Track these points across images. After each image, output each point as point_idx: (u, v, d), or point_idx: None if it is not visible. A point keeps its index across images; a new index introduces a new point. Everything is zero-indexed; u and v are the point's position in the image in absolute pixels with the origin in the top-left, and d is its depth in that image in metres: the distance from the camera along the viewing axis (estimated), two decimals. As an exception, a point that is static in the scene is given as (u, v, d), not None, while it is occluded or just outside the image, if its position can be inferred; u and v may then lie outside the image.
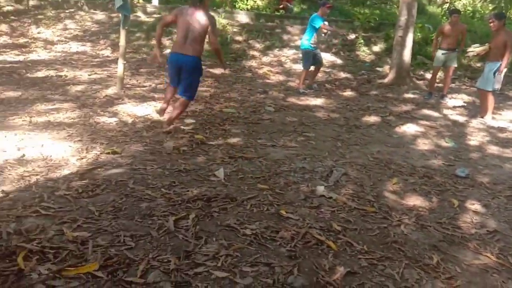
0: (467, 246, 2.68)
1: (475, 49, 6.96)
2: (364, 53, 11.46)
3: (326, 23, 7.70)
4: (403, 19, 8.52)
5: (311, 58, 7.53)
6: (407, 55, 8.76)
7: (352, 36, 11.72)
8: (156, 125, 4.75)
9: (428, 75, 10.17)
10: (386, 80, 9.06)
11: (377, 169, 4.03)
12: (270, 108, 6.09)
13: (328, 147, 4.58)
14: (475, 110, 7.10)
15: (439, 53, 7.68)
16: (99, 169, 3.36)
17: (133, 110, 5.26)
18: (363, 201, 3.22)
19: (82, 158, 3.57)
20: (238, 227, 2.57)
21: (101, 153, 3.73)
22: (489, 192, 3.68)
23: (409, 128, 5.65)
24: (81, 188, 2.96)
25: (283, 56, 10.89)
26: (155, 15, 12.44)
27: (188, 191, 3.05)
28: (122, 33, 6.13)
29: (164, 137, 4.32)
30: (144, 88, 6.58)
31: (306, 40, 7.46)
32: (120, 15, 6.33)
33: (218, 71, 8.82)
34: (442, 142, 5.16)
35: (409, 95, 8.10)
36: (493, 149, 5.11)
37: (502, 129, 6.14)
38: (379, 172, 3.94)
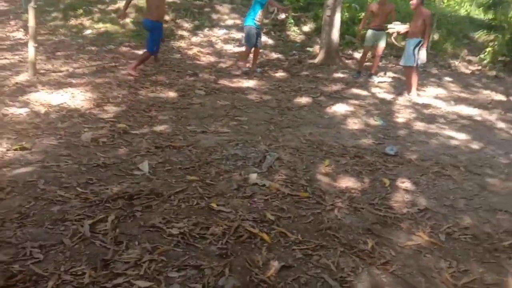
0: (400, 227, 2.68)
1: (395, 26, 7.11)
2: (295, 33, 11.43)
3: None
4: (331, -2, 8.53)
5: (255, 36, 7.22)
6: (335, 34, 8.83)
7: (282, 16, 11.62)
8: (73, 114, 4.30)
9: (357, 54, 10.41)
10: (316, 60, 9.10)
11: (310, 151, 3.97)
12: (201, 91, 5.82)
13: (261, 131, 4.44)
14: (402, 88, 7.34)
15: (369, 32, 7.81)
16: (4, 169, 2.94)
17: (46, 99, 4.73)
18: (296, 186, 3.13)
19: (-18, 158, 3.11)
20: (163, 227, 2.34)
21: (7, 150, 3.27)
22: (418, 169, 3.76)
23: (339, 108, 5.68)
24: (-21, 194, 2.55)
25: (213, 36, 10.55)
26: (71, -7, 11.44)
27: (107, 189, 2.75)
28: (31, 12, 5.49)
29: (81, 128, 3.91)
30: (60, 74, 5.99)
31: (251, 17, 7.18)
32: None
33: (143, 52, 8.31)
34: (371, 121, 5.24)
35: (338, 75, 8.20)
36: (419, 125, 5.28)
37: (426, 105, 6.39)
38: (311, 154, 3.88)
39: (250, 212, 2.62)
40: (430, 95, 7.21)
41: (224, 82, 6.66)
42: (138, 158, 3.36)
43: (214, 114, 4.84)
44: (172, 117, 4.58)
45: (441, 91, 7.64)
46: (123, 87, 5.60)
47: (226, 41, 10.31)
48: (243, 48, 8.09)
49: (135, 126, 4.17)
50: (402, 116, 5.65)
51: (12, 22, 9.87)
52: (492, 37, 12.26)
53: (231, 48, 9.87)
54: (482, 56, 11.00)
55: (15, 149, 3.26)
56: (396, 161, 3.92)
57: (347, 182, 3.31)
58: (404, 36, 7.62)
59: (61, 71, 6.15)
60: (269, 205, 2.76)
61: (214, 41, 10.21)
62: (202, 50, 9.39)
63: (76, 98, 4.89)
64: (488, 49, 10.70)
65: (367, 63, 8.65)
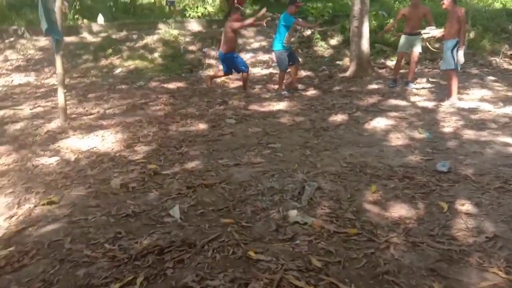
0: (468, 262, 2.30)
1: (430, 31, 6.71)
2: (322, 48, 11.19)
3: (300, 19, 7.52)
4: (356, 8, 8.25)
5: (286, 58, 7.23)
6: (365, 45, 8.50)
7: (308, 32, 11.41)
8: (103, 158, 4.20)
9: (389, 63, 10.00)
10: (348, 74, 8.78)
11: (352, 176, 3.64)
12: (231, 120, 5.64)
13: (297, 157, 4.17)
14: (442, 93, 6.87)
15: (403, 38, 7.46)
16: (30, 229, 2.81)
17: (77, 145, 4.69)
18: (342, 221, 2.81)
19: (11, 217, 3.01)
20: (197, 286, 2.09)
21: (35, 206, 3.17)
22: (477, 186, 3.34)
23: (379, 123, 5.32)
24: (4, 260, 2.42)
25: (240, 61, 10.45)
26: (102, 34, 11.76)
27: (136, 242, 2.55)
28: (58, 60, 5.55)
29: (111, 173, 3.78)
30: (91, 116, 5.99)
31: (279, 41, 7.14)
32: (51, 39, 5.75)
33: (173, 85, 8.31)
34: (416, 134, 4.85)
35: (373, 86, 7.83)
36: (469, 133, 4.83)
37: (472, 110, 5.91)
38: (354, 180, 3.55)
39: (293, 259, 2.33)
40: (474, 98, 6.69)
41: (254, 107, 6.46)
42: (169, 202, 3.16)
43: (246, 143, 4.62)
44: (203, 151, 4.39)
45: (485, 92, 7.09)
46: (153, 124, 5.51)
47: (253, 64, 10.20)
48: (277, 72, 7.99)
49: (166, 165, 4.01)
50: (448, 125, 5.20)
51: (46, 69, 10.20)
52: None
53: (259, 71, 9.75)
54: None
55: (43, 204, 3.15)
56: (451, 178, 3.52)
57: (399, 210, 2.96)
58: (440, 39, 7.18)
59: (92, 114, 6.16)
60: (314, 248, 2.46)
61: (241, 66, 10.09)
62: (230, 76, 9.28)
63: (107, 140, 4.82)
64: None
65: (403, 71, 8.23)
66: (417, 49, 7.46)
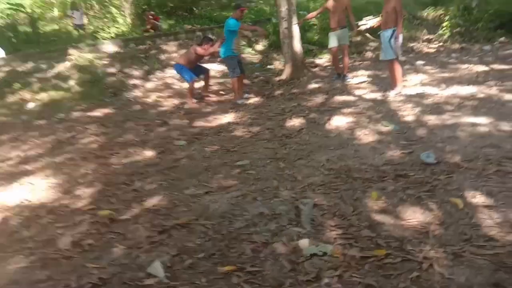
0: (527, 266, 1.98)
1: (367, 22, 6.66)
2: (250, 54, 10.90)
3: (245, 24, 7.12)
4: (284, 10, 7.99)
5: (237, 64, 6.90)
6: (297, 46, 8.29)
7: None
8: (39, 212, 3.38)
9: (318, 61, 9.98)
10: (284, 77, 8.50)
11: (342, 184, 3.25)
12: (181, 142, 5.01)
13: (272, 172, 3.70)
14: (382, 84, 6.85)
15: (331, 35, 7.37)
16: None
17: (0, 200, 3.77)
18: (363, 241, 2.38)
19: None
20: None
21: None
22: (475, 174, 3.12)
23: (339, 122, 5.03)
24: None
25: (168, 77, 9.78)
26: (4, 69, 10.33)
27: (121, 326, 1.89)
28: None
29: (54, 231, 3.00)
30: (10, 162, 5.00)
31: (227, 47, 6.78)
32: None
33: (99, 112, 7.41)
34: (381, 127, 4.62)
35: (313, 86, 7.62)
36: (432, 119, 4.71)
37: (420, 96, 5.88)
38: (347, 188, 3.16)
39: (333, 307, 1.84)
40: (415, 84, 6.73)
41: (200, 123, 5.89)
42: (143, 257, 2.51)
43: (209, 165, 4.05)
44: (161, 183, 3.74)
45: (422, 77, 7.20)
46: (89, 159, 4.70)
47: (182, 79, 9.55)
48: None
49: (122, 208, 3.30)
50: (407, 113, 5.06)
51: None
52: (440, 11, 12.25)
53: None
54: (440, 32, 10.86)
55: (-28, 293, 2.33)
56: (444, 170, 3.27)
57: (414, 216, 2.61)
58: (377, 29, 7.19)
59: (10, 159, 5.14)
60: (349, 285, 1.99)
61: (170, 83, 9.45)
62: (161, 94, 8.59)
63: (37, 188, 3.95)
64: (445, 23, 10.54)
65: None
66: (346, 42, 7.46)
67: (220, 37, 7.73)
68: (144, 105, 7.80)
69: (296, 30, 8.20)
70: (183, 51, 11.09)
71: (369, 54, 10.07)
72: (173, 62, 10.52)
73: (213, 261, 2.35)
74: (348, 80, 7.54)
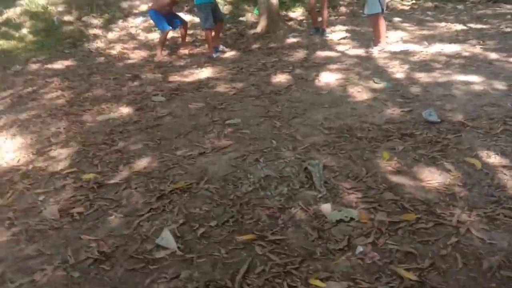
0: None
1: None
2: (220, 4, 10.25)
3: None
4: (260, -44, 7.47)
5: (210, 12, 6.25)
6: (273, -4, 7.83)
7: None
8: (12, 177, 2.98)
9: (292, 14, 9.59)
10: (259, 30, 8.07)
11: (347, 143, 3.08)
12: (159, 97, 4.62)
13: (268, 131, 3.46)
14: (364, 39, 6.66)
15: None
16: None
17: (-41, 162, 3.32)
18: (387, 205, 2.24)
19: None
20: None
21: None
22: (483, 133, 3.04)
23: (328, 78, 4.82)
24: None
25: (132, 27, 9.07)
26: None
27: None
28: None
29: (36, 198, 2.65)
30: (-37, 119, 4.43)
31: None
32: None
33: (59, 65, 6.76)
34: (373, 84, 4.45)
35: (291, 40, 7.30)
36: (422, 76, 4.59)
37: (406, 52, 5.74)
38: (353, 148, 2.99)
39: (377, 278, 1.69)
40: (397, 41, 6.59)
41: (176, 78, 5.47)
42: (146, 226, 2.24)
43: (197, 124, 3.73)
44: (147, 143, 3.41)
45: (402, 34, 7.06)
46: (58, 116, 4.25)
47: (147, 29, 8.88)
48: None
49: (107, 171, 2.98)
50: (395, 70, 4.92)
51: None
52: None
53: (157, 36, 8.49)
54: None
55: None
56: (451, 129, 3.17)
57: (433, 177, 2.49)
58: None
59: (-37, 116, 4.57)
60: (387, 254, 1.84)
61: (134, 33, 8.76)
62: (126, 46, 7.96)
63: (4, 149, 3.52)
64: (419, -20, 10.35)
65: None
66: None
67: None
68: (108, 57, 7.20)
69: (272, -21, 7.72)
70: (146, -1, 10.32)
71: (343, 9, 9.80)
72: (135, 11, 9.79)
73: (227, 230, 2.13)
74: (327, 35, 7.28)
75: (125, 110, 4.30)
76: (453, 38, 6.42)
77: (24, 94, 5.22)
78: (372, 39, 6.35)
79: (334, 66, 5.31)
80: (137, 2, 10.13)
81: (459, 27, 7.31)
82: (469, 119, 3.31)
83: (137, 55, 7.23)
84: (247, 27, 8.69)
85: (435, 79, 4.46)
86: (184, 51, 7.08)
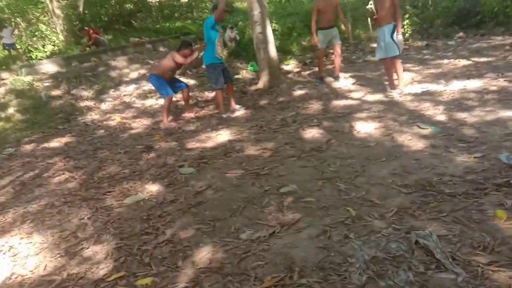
0: None
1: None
2: (212, 64, 10.09)
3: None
4: (256, 13, 7.36)
5: (221, 73, 6.03)
6: (273, 51, 7.68)
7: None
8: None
9: (286, 67, 9.49)
10: (261, 85, 7.86)
11: (442, 203, 2.65)
12: (187, 168, 4.13)
13: (336, 197, 3.00)
14: (373, 83, 6.52)
15: (320, 34, 6.90)
16: None
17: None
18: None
19: None
20: None
21: None
22: None
23: (366, 128, 4.47)
24: None
25: (125, 95, 8.73)
26: None
27: None
28: None
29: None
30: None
31: (210, 52, 5.93)
32: None
33: (56, 142, 6.24)
34: (420, 130, 4.11)
35: (298, 92, 7.07)
36: (466, 116, 4.32)
37: (429, 93, 5.53)
38: (454, 209, 2.56)
39: None
40: (411, 82, 6.42)
41: (194, 144, 5.03)
42: None
43: (248, 196, 3.24)
44: (199, 227, 2.88)
45: (410, 75, 6.94)
46: (76, 203, 3.69)
47: (142, 96, 8.57)
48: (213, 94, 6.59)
49: (165, 270, 2.42)
50: (432, 112, 4.64)
51: None
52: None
53: (155, 102, 8.15)
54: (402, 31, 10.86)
55: None
56: (548, 173, 2.79)
57: None
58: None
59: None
60: None
61: (129, 101, 8.42)
62: (124, 115, 7.55)
63: (23, 253, 2.91)
64: (406, 21, 10.55)
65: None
66: (338, 41, 7.03)
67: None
68: (109, 129, 6.76)
69: (270, 34, 7.60)
70: (135, 66, 10.10)
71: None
72: (126, 79, 9.50)
73: None
74: (340, 81, 7.16)
75: (153, 187, 3.78)
76: (468, 74, 6.30)
77: (26, 180, 4.65)
78: (383, 83, 6.15)
79: (363, 115, 5.00)
80: (126, 70, 9.91)
81: (464, 62, 7.27)
82: (559, 159, 2.95)
83: (139, 124, 6.81)
84: (246, 84, 8.49)
85: (481, 118, 4.17)
86: (189, 114, 6.72)
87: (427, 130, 4.06)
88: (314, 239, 2.46)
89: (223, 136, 5.18)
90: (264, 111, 6.20)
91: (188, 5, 16.31)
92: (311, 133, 4.62)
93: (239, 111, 6.37)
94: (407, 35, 10.47)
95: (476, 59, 7.33)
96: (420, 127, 4.17)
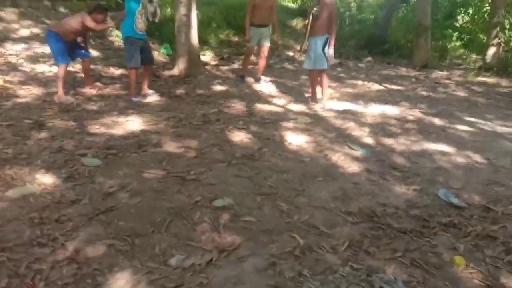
0: None
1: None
2: (118, 38, 9.08)
3: None
4: (183, -7, 6.72)
5: (138, 49, 5.26)
6: (195, 37, 7.13)
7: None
8: None
9: (205, 58, 8.96)
10: (176, 72, 7.21)
11: (394, 240, 2.47)
12: (91, 159, 3.41)
13: (278, 218, 2.65)
14: (293, 92, 6.41)
15: (252, 30, 6.51)
16: None
17: None
18: None
19: None
20: None
21: None
22: (522, 222, 2.72)
23: (296, 140, 4.22)
24: None
25: (10, 54, 7.31)
26: None
27: None
28: None
29: None
30: None
31: (128, 25, 5.17)
32: None
33: None
34: (353, 152, 3.99)
35: (219, 88, 6.63)
36: (392, 143, 4.34)
37: (351, 112, 5.55)
38: (408, 248, 2.39)
39: None
40: (331, 98, 6.42)
41: (98, 128, 4.27)
42: None
43: (174, 206, 2.70)
44: (112, 244, 2.27)
45: (328, 91, 6.95)
46: None
47: (33, 59, 7.25)
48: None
49: None
50: (358, 134, 4.59)
51: None
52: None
53: (48, 69, 6.93)
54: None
55: None
56: (484, 216, 2.82)
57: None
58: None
59: None
60: None
61: (17, 63, 7.04)
62: (8, 78, 6.25)
63: None
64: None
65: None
66: (267, 43, 6.73)
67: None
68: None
69: (194, 19, 7.03)
70: (27, 22, 8.60)
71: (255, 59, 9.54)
72: (14, 36, 8.03)
73: None
74: (261, 83, 6.90)
75: (46, 179, 3.00)
76: (383, 99, 6.53)
77: None
78: (303, 94, 6.08)
79: (290, 125, 4.77)
80: (16, 25, 8.38)
81: (377, 86, 7.56)
82: (490, 202, 3.01)
83: (27, 92, 5.67)
84: (159, 67, 7.73)
85: (408, 147, 4.23)
86: (90, 90, 5.82)
87: (358, 152, 3.95)
88: (262, 273, 2.06)
89: (134, 123, 4.50)
90: (182, 102, 5.62)
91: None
92: (239, 136, 4.21)
93: (152, 97, 5.69)
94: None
95: (387, 85, 7.68)
96: (351, 148, 4.04)
